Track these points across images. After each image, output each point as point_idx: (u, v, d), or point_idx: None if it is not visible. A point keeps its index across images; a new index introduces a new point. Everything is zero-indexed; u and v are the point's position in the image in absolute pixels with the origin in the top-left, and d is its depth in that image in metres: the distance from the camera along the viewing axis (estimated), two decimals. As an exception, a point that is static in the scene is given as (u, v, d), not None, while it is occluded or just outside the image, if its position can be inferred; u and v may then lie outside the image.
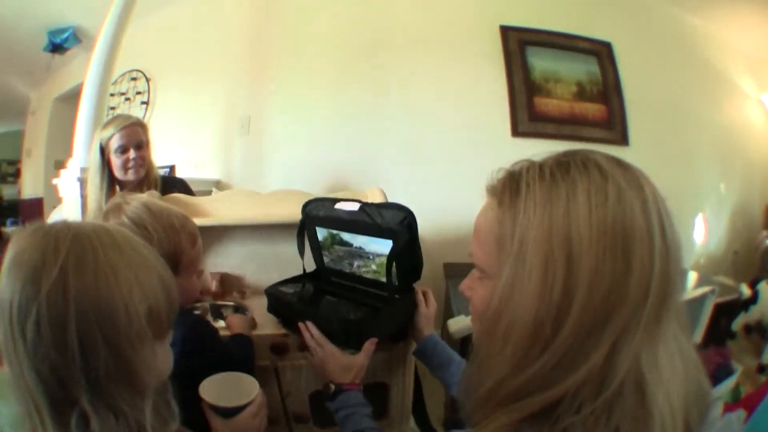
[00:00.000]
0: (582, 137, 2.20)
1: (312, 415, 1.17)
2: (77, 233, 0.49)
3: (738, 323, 2.35)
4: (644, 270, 0.41)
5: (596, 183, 0.43)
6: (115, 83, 2.71)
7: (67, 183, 2.03)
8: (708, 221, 2.57)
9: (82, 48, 3.33)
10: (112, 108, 2.71)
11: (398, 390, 1.17)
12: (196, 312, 1.11)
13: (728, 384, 1.78)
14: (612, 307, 0.41)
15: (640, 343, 0.41)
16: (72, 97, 3.84)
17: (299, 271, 1.19)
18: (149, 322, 0.50)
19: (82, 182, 1.96)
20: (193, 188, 1.76)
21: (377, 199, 1.27)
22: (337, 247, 1.12)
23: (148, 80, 2.70)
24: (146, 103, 2.67)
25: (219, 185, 2.37)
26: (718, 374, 1.72)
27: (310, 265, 1.21)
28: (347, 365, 0.92)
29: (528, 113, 2.18)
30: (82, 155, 2.04)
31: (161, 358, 0.55)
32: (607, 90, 2.24)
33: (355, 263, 1.10)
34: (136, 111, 2.67)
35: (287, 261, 1.19)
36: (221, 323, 1.09)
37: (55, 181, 2.13)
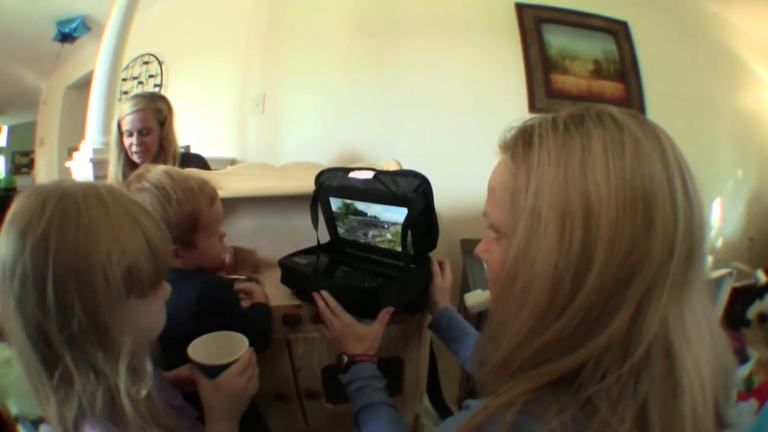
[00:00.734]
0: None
1: (325, 391, 1.16)
2: (65, 192, 0.50)
3: (753, 311, 2.32)
4: (667, 225, 0.38)
5: (612, 134, 0.41)
6: (127, 68, 2.72)
7: (80, 165, 2.05)
8: (724, 207, 2.54)
9: (91, 36, 3.34)
10: (125, 92, 2.72)
11: (413, 365, 1.15)
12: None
13: (742, 371, 1.75)
14: (635, 264, 0.38)
15: (667, 305, 0.38)
16: (83, 85, 3.86)
17: (313, 244, 1.17)
18: (129, 282, 0.51)
19: (95, 164, 1.97)
20: (209, 168, 1.76)
21: (392, 170, 1.25)
22: (351, 217, 1.10)
23: (160, 63, 2.70)
24: (159, 86, 2.67)
25: (234, 164, 2.35)
26: (734, 359, 1.70)
27: (324, 237, 1.19)
28: (362, 335, 0.90)
29: (545, 90, 2.14)
30: (95, 137, 2.05)
31: (145, 318, 0.55)
32: (624, 69, 2.20)
33: (370, 233, 1.08)
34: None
35: (301, 234, 1.17)
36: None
37: (68, 164, 2.15)
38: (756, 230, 2.65)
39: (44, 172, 4.83)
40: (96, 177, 1.97)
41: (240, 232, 1.31)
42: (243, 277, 1.22)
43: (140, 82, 2.77)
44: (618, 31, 2.21)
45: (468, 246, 1.97)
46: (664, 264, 0.38)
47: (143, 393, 0.52)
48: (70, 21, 3.26)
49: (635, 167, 0.39)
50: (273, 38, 2.40)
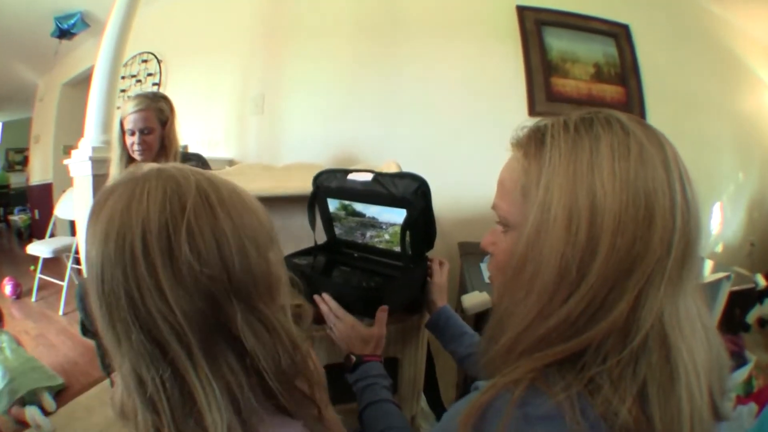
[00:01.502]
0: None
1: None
2: (184, 166, 0.50)
3: (752, 316, 2.34)
4: (666, 224, 0.42)
5: (619, 138, 0.45)
6: (125, 66, 2.74)
7: (78, 163, 2.07)
8: (725, 210, 2.55)
9: (90, 33, 3.37)
10: (123, 91, 2.74)
11: (410, 365, 1.17)
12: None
13: (741, 374, 1.78)
14: (636, 257, 0.42)
15: (663, 297, 0.42)
16: (80, 83, 3.90)
17: (312, 244, 1.20)
18: (270, 227, 0.53)
19: (94, 162, 2.00)
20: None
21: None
22: (349, 217, 1.13)
23: (159, 62, 2.73)
24: (158, 84, 2.70)
25: (233, 164, 2.40)
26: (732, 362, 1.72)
27: (321, 238, 1.21)
28: (367, 336, 0.93)
29: (545, 93, 2.17)
30: (94, 135, 2.08)
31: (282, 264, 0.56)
32: (625, 72, 2.22)
33: (368, 233, 1.11)
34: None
35: (300, 234, 1.20)
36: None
37: (66, 161, 2.17)
38: (757, 234, 2.67)
39: (39, 170, 4.85)
40: (95, 175, 2.00)
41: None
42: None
43: (138, 81, 2.80)
44: (619, 33, 2.23)
45: (466, 249, 2.00)
46: (662, 260, 0.42)
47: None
48: (68, 17, 3.27)
49: (639, 169, 0.43)
50: (273, 38, 2.43)
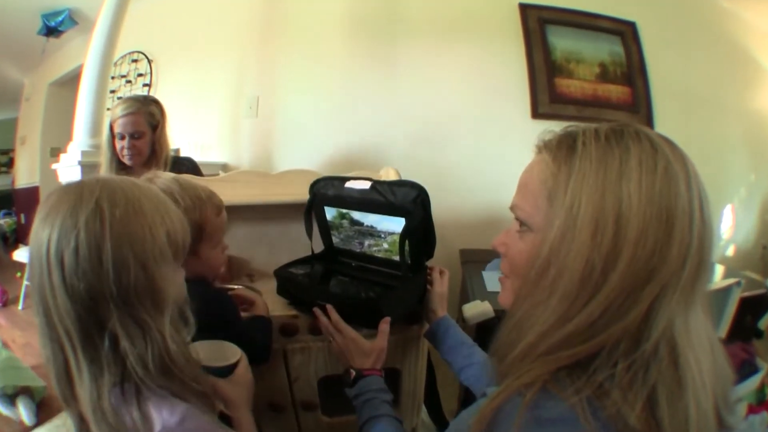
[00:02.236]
0: (605, 120, 2.17)
1: (321, 402, 1.20)
2: (105, 180, 0.60)
3: (765, 322, 2.35)
4: (683, 240, 0.46)
5: (647, 152, 0.48)
6: (114, 65, 2.75)
7: (67, 168, 2.08)
8: (736, 213, 2.56)
9: (78, 31, 3.38)
10: (113, 91, 2.75)
11: (410, 377, 1.19)
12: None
13: (752, 382, 1.79)
14: (653, 268, 0.45)
15: (675, 308, 0.46)
16: (68, 82, 3.91)
17: (309, 253, 1.22)
18: (169, 244, 0.61)
19: (83, 167, 2.01)
20: (198, 173, 1.81)
21: (392, 179, 1.30)
22: (346, 226, 1.15)
23: (150, 62, 2.74)
24: (148, 85, 2.71)
25: (226, 168, 2.41)
26: (743, 370, 1.73)
27: (318, 246, 1.23)
28: (368, 350, 0.94)
29: (549, 94, 2.18)
30: (83, 139, 2.09)
31: (178, 279, 0.66)
32: (632, 72, 2.24)
33: (366, 242, 1.13)
34: (138, 94, 2.70)
35: (297, 243, 1.22)
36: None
37: (54, 166, 2.17)
38: (770, 238, 2.68)
39: (25, 172, 4.85)
40: (84, 180, 2.01)
41: (234, 241, 1.35)
42: (238, 287, 1.27)
43: (128, 81, 2.81)
44: (625, 32, 2.24)
45: (468, 256, 2.02)
46: (677, 273, 0.46)
47: (187, 339, 0.63)
48: (56, 14, 3.28)
49: (663, 185, 0.46)
50: (268, 39, 2.43)
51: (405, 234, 1.00)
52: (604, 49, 2.24)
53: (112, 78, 2.75)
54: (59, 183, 2.16)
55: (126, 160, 1.63)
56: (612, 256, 0.46)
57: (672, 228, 0.46)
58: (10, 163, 6.07)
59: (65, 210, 0.55)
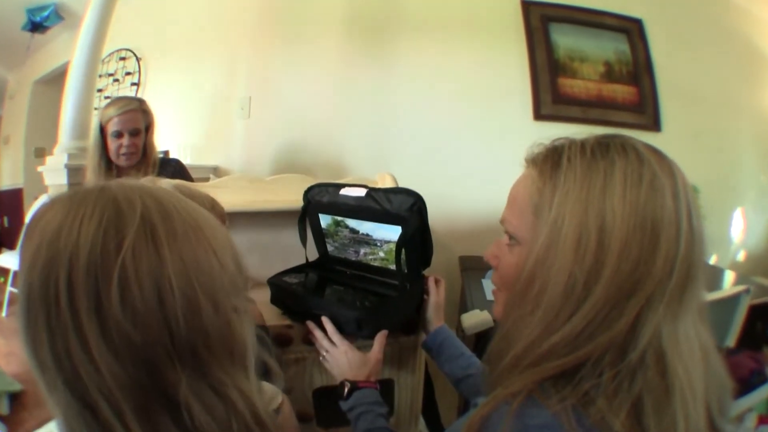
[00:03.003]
0: (610, 121, 2.21)
1: (316, 414, 1.22)
2: (141, 186, 0.44)
3: (775, 329, 2.35)
4: (670, 250, 0.48)
5: (633, 165, 0.50)
6: (102, 63, 2.76)
7: (53, 170, 2.09)
8: (747, 216, 2.57)
9: (64, 26, 3.39)
10: (100, 90, 2.76)
11: (407, 387, 1.20)
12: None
13: (762, 392, 1.80)
14: (638, 279, 0.48)
15: (662, 318, 0.48)
16: (53, 80, 3.92)
17: (302, 261, 1.23)
18: (238, 272, 0.47)
19: (70, 170, 2.03)
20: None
21: (388, 185, 1.31)
22: (341, 234, 1.17)
23: (138, 59, 2.75)
24: (137, 84, 2.72)
25: (217, 171, 2.42)
26: (752, 380, 1.74)
27: (312, 254, 1.25)
28: (363, 362, 0.96)
29: (552, 95, 2.19)
30: (69, 141, 2.10)
31: (252, 318, 0.50)
32: (638, 71, 2.25)
33: (362, 250, 1.15)
34: (126, 93, 2.71)
35: (290, 250, 1.23)
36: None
37: (40, 168, 2.19)
38: (783, 242, 2.69)
39: (8, 173, 4.86)
40: (70, 184, 2.02)
41: (226, 248, 1.37)
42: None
43: (116, 80, 2.82)
44: (631, 29, 2.25)
45: (467, 264, 2.03)
46: (663, 283, 0.48)
47: (275, 405, 0.51)
48: (41, 9, 3.29)
49: (648, 198, 0.49)
50: (261, 38, 2.44)
51: (401, 243, 1.02)
52: (609, 48, 2.25)
53: (99, 76, 2.76)
54: (45, 186, 2.18)
55: (122, 161, 1.64)
56: (595, 269, 0.48)
57: (657, 239, 0.48)
58: (-8, 164, 6.08)
59: (94, 226, 0.39)
